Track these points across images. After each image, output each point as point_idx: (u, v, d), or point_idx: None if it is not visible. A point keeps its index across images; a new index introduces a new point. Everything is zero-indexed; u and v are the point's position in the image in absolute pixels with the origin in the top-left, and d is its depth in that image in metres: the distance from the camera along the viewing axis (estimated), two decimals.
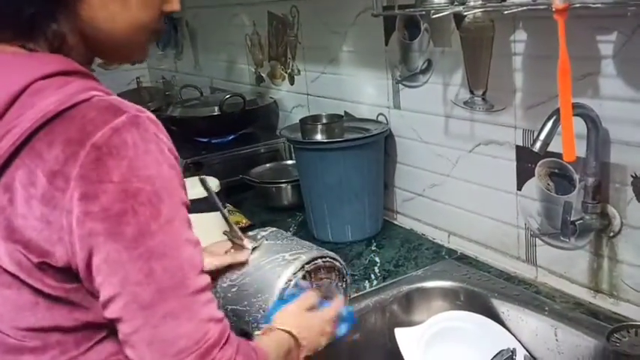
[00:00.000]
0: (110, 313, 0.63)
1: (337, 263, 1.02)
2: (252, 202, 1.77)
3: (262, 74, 2.13)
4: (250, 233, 1.06)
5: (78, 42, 0.69)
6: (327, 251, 1.02)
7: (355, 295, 1.24)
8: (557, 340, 1.08)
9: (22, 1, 0.65)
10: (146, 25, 0.72)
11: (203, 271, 0.67)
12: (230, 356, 0.67)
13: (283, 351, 0.83)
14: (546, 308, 1.12)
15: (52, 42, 0.66)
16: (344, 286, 1.04)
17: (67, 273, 0.63)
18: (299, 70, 1.89)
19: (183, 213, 0.65)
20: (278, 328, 0.87)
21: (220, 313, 0.68)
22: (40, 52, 0.66)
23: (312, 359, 0.99)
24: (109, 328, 0.67)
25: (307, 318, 0.91)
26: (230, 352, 0.67)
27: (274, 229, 1.08)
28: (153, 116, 0.65)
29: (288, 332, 0.86)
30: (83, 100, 0.62)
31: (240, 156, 1.91)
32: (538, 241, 1.21)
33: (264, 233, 1.05)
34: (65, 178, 0.59)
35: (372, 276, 1.32)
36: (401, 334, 1.15)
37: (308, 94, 1.87)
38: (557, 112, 0.96)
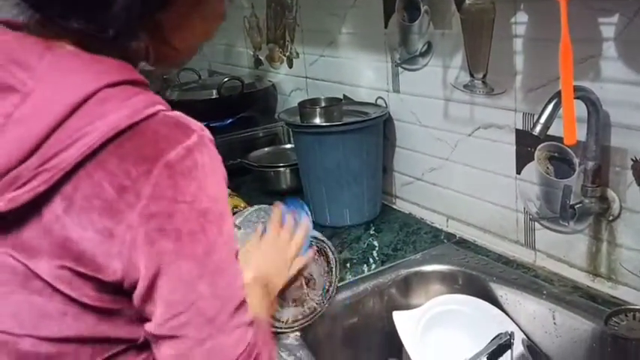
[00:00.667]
0: (169, 329, 0.63)
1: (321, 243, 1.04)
2: (250, 186, 1.77)
3: (261, 57, 2.11)
4: None
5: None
6: None
7: (354, 278, 1.24)
8: (555, 323, 1.08)
9: (119, 24, 0.62)
10: (200, 44, 0.75)
11: None
12: (261, 351, 0.69)
13: (258, 300, 0.84)
14: (544, 292, 1.12)
15: (123, 52, 0.65)
16: (332, 258, 1.05)
17: (113, 286, 0.63)
18: (297, 53, 1.88)
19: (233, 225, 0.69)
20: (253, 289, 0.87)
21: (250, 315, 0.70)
22: (103, 56, 0.64)
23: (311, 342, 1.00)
24: (125, 345, 0.67)
25: (262, 252, 0.94)
26: (260, 346, 0.69)
27: (248, 211, 1.06)
28: (209, 132, 0.65)
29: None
30: (151, 114, 0.61)
31: (239, 140, 1.90)
32: (537, 225, 1.21)
33: (238, 221, 1.02)
34: (136, 194, 0.59)
35: (371, 260, 1.32)
36: (399, 318, 1.16)
37: (307, 77, 1.86)
38: (557, 95, 0.95)
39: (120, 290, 0.63)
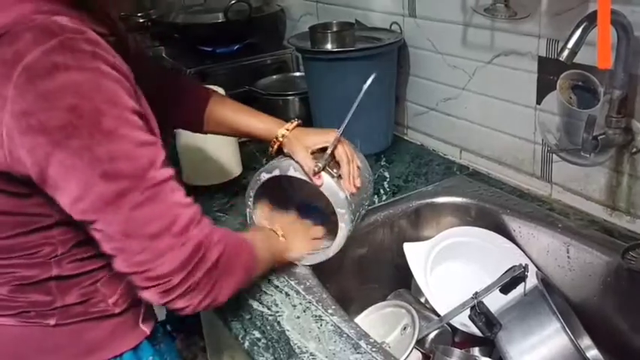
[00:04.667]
0: (79, 214, 0.69)
1: None
2: None
3: None
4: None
5: None
6: None
7: None
8: (568, 257, 1.07)
9: None
10: None
11: (165, 165, 0.72)
12: (207, 233, 0.75)
13: (268, 242, 0.95)
14: (559, 225, 1.10)
15: None
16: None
17: (6, 175, 0.69)
18: None
19: (131, 120, 0.69)
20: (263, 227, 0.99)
21: (189, 199, 0.74)
22: None
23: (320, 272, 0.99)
24: (43, 222, 0.75)
25: (295, 225, 1.05)
26: (207, 230, 0.75)
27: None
28: (94, 36, 0.67)
29: (273, 230, 0.98)
30: (24, 23, 0.65)
31: (246, 67, 1.84)
32: (554, 158, 1.17)
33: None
34: (2, 97, 0.64)
35: (382, 191, 1.29)
36: (409, 249, 1.14)
37: (317, 1, 1.78)
38: (587, 18, 0.89)
39: (16, 179, 0.70)
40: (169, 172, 0.72)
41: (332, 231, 1.03)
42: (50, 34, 0.65)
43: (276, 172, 0.99)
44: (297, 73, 1.83)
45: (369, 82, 0.96)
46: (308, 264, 1.03)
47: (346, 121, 0.99)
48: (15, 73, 0.63)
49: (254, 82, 1.74)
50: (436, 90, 1.41)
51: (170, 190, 0.72)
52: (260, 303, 0.95)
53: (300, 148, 0.98)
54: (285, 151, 1.01)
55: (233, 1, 1.82)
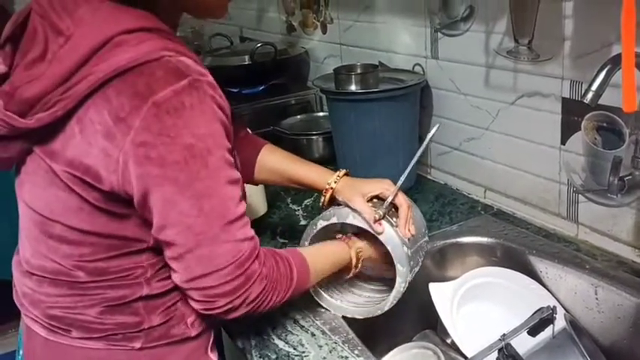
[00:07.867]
0: (164, 236, 0.76)
1: None
2: None
3: (294, 23, 2.07)
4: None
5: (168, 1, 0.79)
6: None
7: None
8: (597, 299, 1.05)
9: None
10: None
11: (241, 200, 0.79)
12: (256, 269, 0.80)
13: (333, 256, 0.98)
14: (587, 266, 1.09)
15: (151, 3, 0.76)
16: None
17: (112, 195, 0.76)
18: (332, 19, 1.83)
19: (229, 160, 0.77)
20: (337, 238, 1.01)
21: (252, 232, 0.81)
22: (128, 6, 0.74)
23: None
24: (139, 245, 0.80)
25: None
26: (257, 265, 0.80)
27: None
28: (212, 80, 0.74)
29: (347, 242, 1.00)
30: (154, 59, 0.70)
31: (271, 107, 1.88)
32: (580, 198, 1.17)
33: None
34: (128, 126, 0.70)
35: None
36: (435, 289, 1.14)
37: (341, 44, 1.82)
38: (611, 61, 0.90)
39: (123, 199, 0.76)
40: (244, 206, 0.80)
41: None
42: (180, 74, 0.71)
43: (334, 220, 0.99)
44: (321, 113, 1.86)
45: (433, 131, 1.00)
46: (359, 317, 1.02)
47: (408, 169, 1.01)
48: (145, 107, 0.69)
49: (279, 122, 1.78)
50: (459, 130, 1.42)
51: (242, 224, 0.79)
52: (286, 343, 0.96)
53: (358, 196, 0.99)
54: (340, 199, 1.02)
55: (259, 45, 1.88)
